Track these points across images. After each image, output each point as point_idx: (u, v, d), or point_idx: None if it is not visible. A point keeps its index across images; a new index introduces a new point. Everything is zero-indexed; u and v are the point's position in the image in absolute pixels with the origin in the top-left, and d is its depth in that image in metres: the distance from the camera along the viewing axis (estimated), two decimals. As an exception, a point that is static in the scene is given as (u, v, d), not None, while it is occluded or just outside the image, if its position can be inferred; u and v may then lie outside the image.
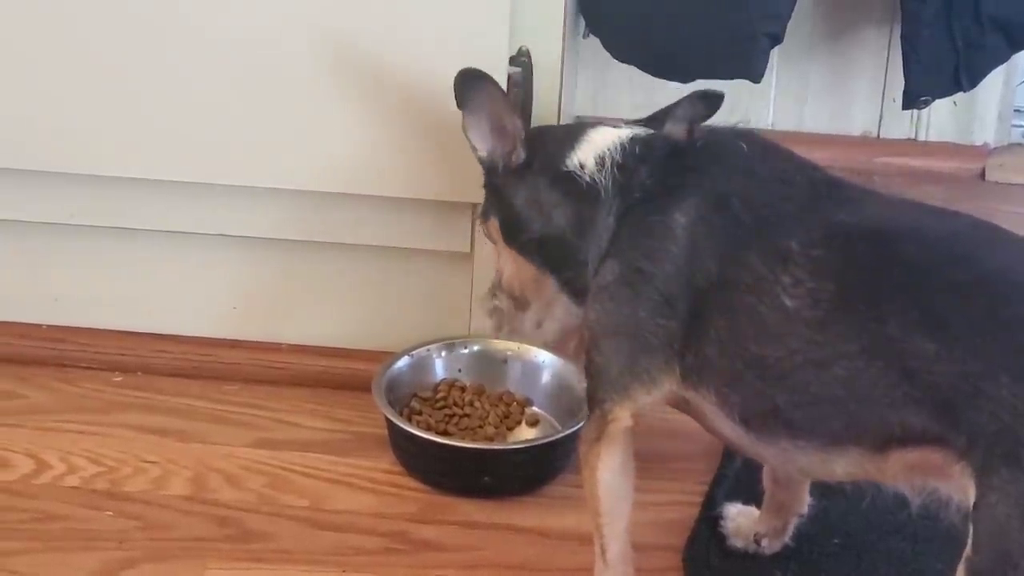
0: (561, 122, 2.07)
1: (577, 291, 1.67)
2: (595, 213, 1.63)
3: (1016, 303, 1.41)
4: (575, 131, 1.69)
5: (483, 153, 1.71)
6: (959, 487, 1.43)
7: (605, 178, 1.62)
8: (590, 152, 1.65)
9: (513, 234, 1.71)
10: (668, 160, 1.62)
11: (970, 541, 1.39)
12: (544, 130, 1.75)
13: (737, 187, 1.57)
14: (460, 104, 1.69)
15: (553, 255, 1.68)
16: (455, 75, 1.68)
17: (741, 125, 1.66)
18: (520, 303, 1.78)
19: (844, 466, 1.52)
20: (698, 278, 1.55)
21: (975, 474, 1.39)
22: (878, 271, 1.47)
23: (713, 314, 1.54)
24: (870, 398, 1.45)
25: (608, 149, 1.64)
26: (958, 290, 1.42)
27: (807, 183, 1.57)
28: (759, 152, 1.61)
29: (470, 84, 1.68)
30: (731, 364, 1.53)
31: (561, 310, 1.75)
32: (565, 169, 1.65)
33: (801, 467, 1.58)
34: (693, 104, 1.72)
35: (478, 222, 1.82)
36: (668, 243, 1.57)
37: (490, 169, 1.72)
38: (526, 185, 1.68)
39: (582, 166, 1.64)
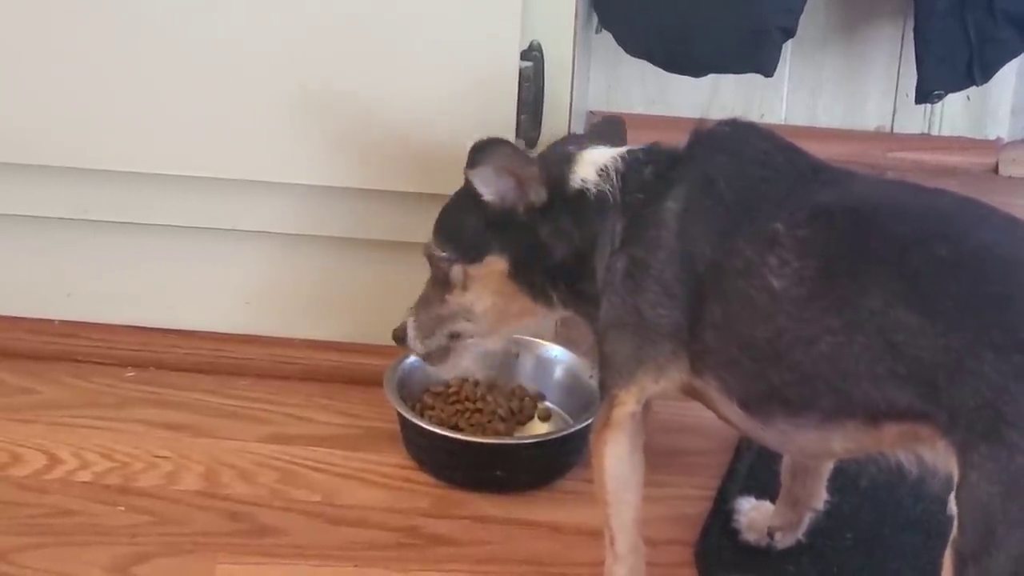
0: (572, 118, 2.07)
1: (587, 300, 1.67)
2: (604, 221, 1.64)
3: (1000, 280, 1.42)
4: (567, 154, 1.70)
5: (494, 199, 1.67)
6: (944, 463, 1.44)
7: (611, 187, 1.64)
8: (590, 168, 1.66)
9: (528, 268, 1.70)
10: (668, 160, 1.64)
11: (955, 522, 1.40)
12: (544, 161, 1.72)
13: (721, 169, 1.59)
14: (472, 163, 1.66)
15: (566, 274, 1.68)
16: (472, 145, 1.65)
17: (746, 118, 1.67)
18: (488, 333, 1.78)
19: (841, 441, 1.53)
20: (696, 263, 1.56)
21: (957, 452, 1.40)
22: (861, 247, 1.48)
23: (709, 300, 1.55)
24: (856, 372, 1.46)
25: (607, 163, 1.66)
26: (942, 265, 1.43)
27: (788, 164, 1.59)
28: (742, 135, 1.63)
29: (480, 147, 1.65)
30: (727, 348, 1.55)
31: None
32: (574, 188, 1.66)
33: (800, 447, 1.60)
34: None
35: (453, 265, 1.75)
36: (662, 231, 1.59)
37: (508, 212, 1.68)
38: (550, 218, 1.67)
39: (584, 180, 1.65)
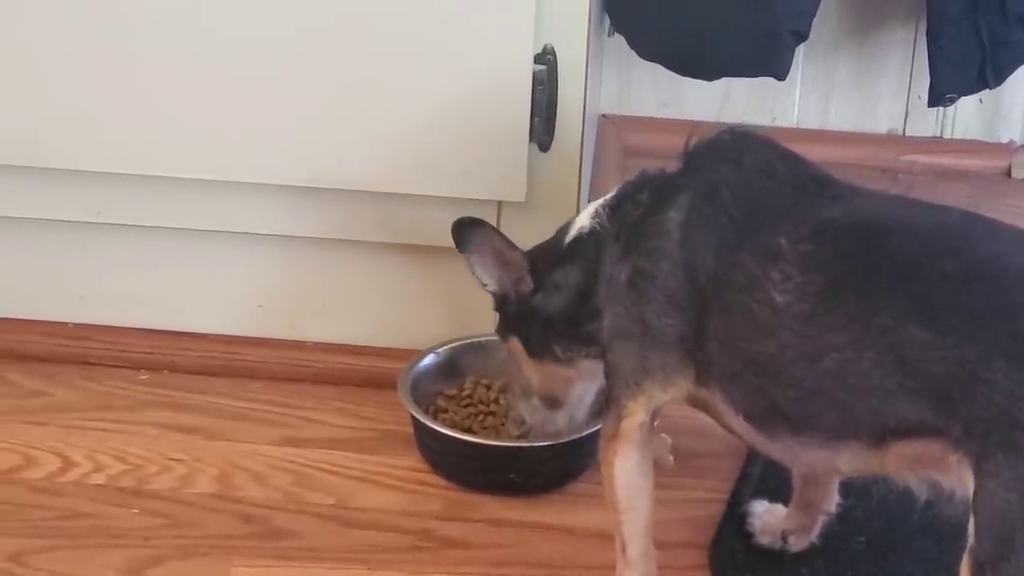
0: (585, 121, 2.07)
1: (595, 340, 1.68)
2: (602, 253, 1.65)
3: (1010, 290, 1.42)
4: (562, 227, 1.74)
5: (494, 287, 1.76)
6: (957, 478, 1.43)
7: (602, 222, 1.66)
8: (585, 218, 1.69)
9: (536, 345, 1.75)
10: (661, 178, 1.65)
11: (971, 531, 1.39)
12: (535, 250, 1.76)
13: (724, 179, 1.58)
14: (462, 248, 1.74)
15: (566, 321, 1.71)
16: (452, 224, 1.73)
17: (764, 124, 1.67)
18: (555, 404, 1.82)
19: (847, 461, 1.53)
20: (699, 274, 1.56)
21: (972, 463, 1.39)
22: (868, 263, 1.47)
23: (712, 312, 1.55)
24: (863, 389, 1.45)
25: (597, 207, 1.68)
26: (952, 279, 1.43)
27: (791, 175, 1.58)
28: (742, 144, 1.62)
29: (467, 228, 1.73)
30: (731, 361, 1.54)
31: (589, 397, 1.82)
32: (567, 243, 1.70)
33: (807, 463, 1.61)
34: None
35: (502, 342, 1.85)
36: (664, 240, 1.59)
37: (504, 299, 1.76)
38: (544, 298, 1.72)
39: (581, 229, 1.69)
